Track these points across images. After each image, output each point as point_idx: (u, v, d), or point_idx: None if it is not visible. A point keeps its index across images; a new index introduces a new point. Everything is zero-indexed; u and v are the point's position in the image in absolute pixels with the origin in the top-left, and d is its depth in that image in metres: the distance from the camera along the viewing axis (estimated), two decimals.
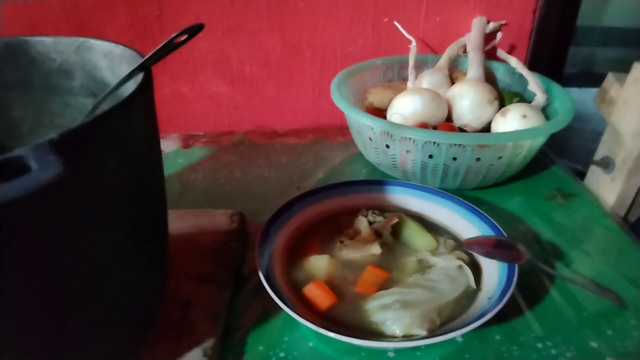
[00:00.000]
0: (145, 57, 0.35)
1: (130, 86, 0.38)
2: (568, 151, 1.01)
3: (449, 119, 0.69)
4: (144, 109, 0.36)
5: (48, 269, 0.28)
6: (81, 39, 0.44)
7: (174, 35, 0.33)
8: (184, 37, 0.34)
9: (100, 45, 0.43)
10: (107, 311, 0.35)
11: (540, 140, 0.63)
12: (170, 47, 0.34)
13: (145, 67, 0.36)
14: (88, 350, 0.34)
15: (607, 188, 0.64)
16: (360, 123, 0.64)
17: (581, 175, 0.72)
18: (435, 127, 0.66)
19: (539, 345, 0.44)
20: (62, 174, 0.26)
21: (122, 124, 0.32)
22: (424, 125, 0.64)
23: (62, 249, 0.29)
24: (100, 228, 0.32)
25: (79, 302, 0.32)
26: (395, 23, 0.77)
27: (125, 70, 0.41)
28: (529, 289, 0.50)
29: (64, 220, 0.28)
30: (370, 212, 0.54)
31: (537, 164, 0.70)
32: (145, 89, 0.35)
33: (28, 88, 0.46)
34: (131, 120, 0.33)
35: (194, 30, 0.34)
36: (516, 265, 0.46)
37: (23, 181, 0.23)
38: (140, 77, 0.36)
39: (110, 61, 0.43)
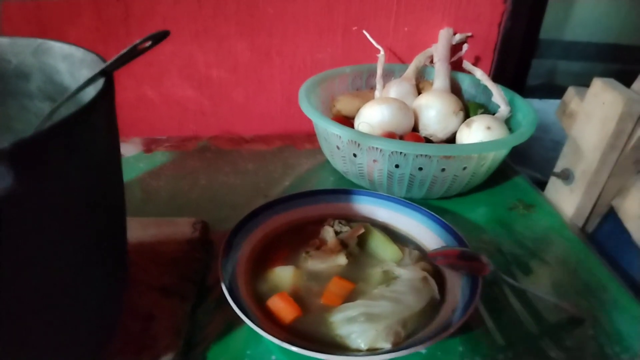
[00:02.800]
0: (108, 63, 0.34)
1: (90, 91, 0.37)
2: (528, 160, 1.03)
3: (415, 128, 0.69)
4: (105, 115, 0.35)
5: (2, 280, 0.27)
6: (39, 41, 0.42)
7: (138, 41, 0.32)
8: (148, 43, 0.33)
9: (59, 48, 0.42)
10: (64, 324, 0.34)
11: (504, 152, 0.64)
12: (134, 53, 0.33)
13: (107, 73, 0.35)
14: None
15: (567, 199, 0.66)
16: (328, 131, 0.63)
17: (541, 183, 0.74)
18: (401, 137, 0.66)
19: (501, 356, 0.45)
20: (14, 186, 0.25)
21: (81, 132, 0.30)
22: (391, 135, 0.65)
23: (14, 261, 0.28)
24: (56, 239, 0.30)
25: (33, 314, 0.31)
26: (364, 32, 0.78)
27: (86, 74, 0.40)
28: (491, 300, 0.51)
29: (16, 232, 0.27)
30: (336, 221, 0.54)
31: (500, 174, 0.72)
32: (107, 95, 0.34)
33: None
34: (91, 128, 0.32)
35: (159, 37, 0.33)
36: (480, 277, 0.46)
37: None
38: (101, 82, 0.34)
39: (70, 65, 0.42)
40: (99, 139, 0.33)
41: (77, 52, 0.40)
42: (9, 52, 0.43)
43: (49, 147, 0.27)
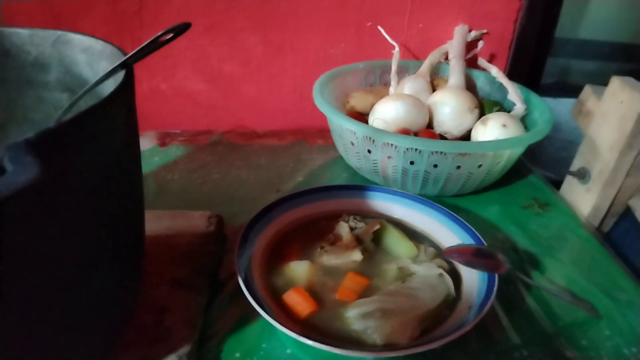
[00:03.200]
0: (128, 55, 0.34)
1: (109, 84, 0.37)
2: (540, 159, 1.03)
3: (429, 125, 0.69)
4: (125, 108, 0.35)
5: (21, 271, 0.27)
6: (59, 32, 0.42)
7: (159, 33, 0.32)
8: (169, 35, 0.33)
9: (79, 40, 0.42)
10: (80, 314, 0.34)
11: (519, 150, 0.63)
12: (155, 45, 0.33)
13: (127, 65, 0.35)
14: (60, 352, 0.33)
15: (583, 198, 0.66)
16: (343, 127, 0.63)
17: (553, 182, 0.74)
18: (416, 134, 0.66)
19: (516, 354, 0.45)
20: (39, 176, 0.25)
21: (102, 124, 0.30)
22: (405, 131, 0.64)
23: (36, 251, 0.28)
24: (76, 230, 0.30)
25: (51, 304, 0.31)
26: (379, 28, 0.77)
27: (105, 66, 0.40)
28: (506, 298, 0.50)
29: (39, 222, 0.27)
30: (351, 217, 0.54)
31: (514, 173, 0.71)
32: (127, 88, 0.34)
33: (0, 81, 0.44)
34: (111, 120, 0.32)
35: (180, 30, 0.33)
36: (496, 275, 0.46)
37: None
38: (121, 75, 0.34)
39: (89, 56, 0.42)
40: (119, 131, 0.33)
41: (96, 44, 0.40)
42: (28, 43, 0.43)
43: (71, 138, 0.27)
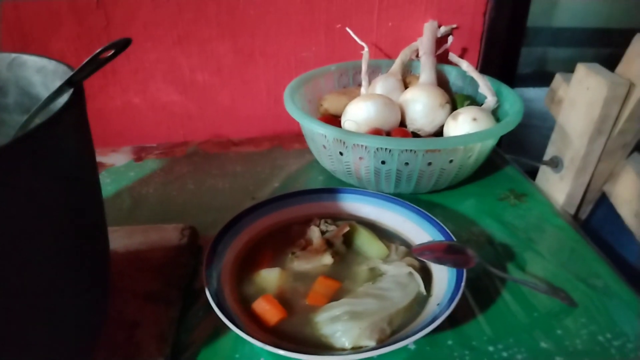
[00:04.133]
0: (72, 73, 0.33)
1: (62, 101, 0.37)
2: (527, 149, 1.03)
3: (402, 123, 0.69)
4: (75, 126, 0.35)
5: None
6: (13, 55, 0.42)
7: (98, 50, 0.32)
8: (111, 51, 0.33)
9: (33, 61, 0.42)
10: (45, 335, 0.34)
11: (490, 143, 0.63)
12: (97, 62, 0.33)
13: (74, 82, 0.35)
14: None
15: (557, 187, 0.66)
16: (314, 131, 0.63)
17: (537, 172, 0.74)
18: (389, 133, 0.66)
19: (490, 348, 0.45)
20: None
21: (46, 144, 0.30)
22: (377, 131, 0.64)
23: None
24: (30, 250, 0.30)
25: (13, 326, 0.30)
26: (347, 29, 0.77)
27: (58, 85, 0.40)
28: (481, 292, 0.50)
29: None
30: (322, 221, 0.54)
31: (490, 165, 0.71)
32: (75, 105, 0.34)
33: None
34: (57, 139, 0.32)
35: (121, 45, 0.33)
36: (464, 270, 0.46)
37: None
38: (69, 93, 0.34)
39: (43, 77, 0.41)
40: (68, 149, 0.33)
41: (49, 64, 0.40)
42: None
43: (15, 158, 0.27)
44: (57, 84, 0.40)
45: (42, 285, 0.32)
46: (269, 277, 0.48)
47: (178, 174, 0.73)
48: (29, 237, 0.30)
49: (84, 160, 0.37)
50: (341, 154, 0.62)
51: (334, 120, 0.70)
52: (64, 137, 0.32)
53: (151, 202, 0.67)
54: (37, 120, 0.39)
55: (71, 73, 0.37)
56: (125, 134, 0.82)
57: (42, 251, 0.31)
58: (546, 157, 0.68)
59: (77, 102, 0.35)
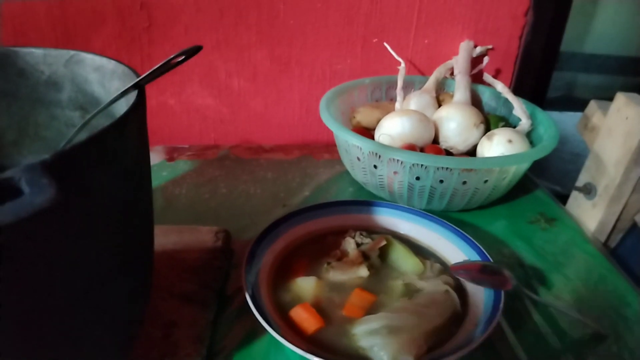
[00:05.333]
0: (142, 76, 0.34)
1: (121, 103, 0.38)
2: (546, 172, 1.03)
3: (435, 141, 0.69)
4: (137, 127, 0.35)
5: (34, 289, 0.28)
6: (72, 52, 0.43)
7: (171, 56, 0.33)
8: (181, 57, 0.34)
9: (91, 59, 0.43)
10: (91, 329, 0.34)
11: (525, 166, 0.64)
12: (167, 67, 0.34)
13: (139, 86, 0.36)
14: None
15: (589, 214, 0.66)
16: (349, 143, 0.64)
17: (560, 196, 0.74)
18: (422, 149, 0.66)
19: None
20: (54, 198, 0.25)
21: (115, 144, 0.31)
22: (411, 147, 0.65)
23: (49, 270, 0.28)
24: (90, 247, 0.31)
25: (62, 321, 0.31)
26: (385, 44, 0.78)
27: (117, 85, 0.41)
28: (513, 314, 0.50)
29: (53, 242, 0.27)
30: (357, 233, 0.54)
31: (521, 187, 0.71)
32: (139, 108, 0.35)
33: (14, 99, 0.45)
34: (124, 140, 0.33)
35: (192, 52, 0.34)
36: (502, 292, 0.46)
37: (15, 206, 0.23)
38: (133, 95, 0.35)
39: (101, 76, 0.42)
40: (131, 150, 0.34)
41: (108, 64, 0.41)
42: (41, 62, 0.44)
43: (86, 158, 0.28)
44: (115, 83, 0.41)
45: (97, 280, 0.33)
46: (306, 285, 0.48)
47: (210, 176, 0.74)
48: (94, 232, 0.31)
49: (142, 160, 0.38)
50: (375, 167, 0.63)
51: (365, 133, 0.71)
52: (129, 138, 0.33)
53: (183, 202, 0.68)
54: (95, 120, 0.40)
55: (130, 73, 0.38)
56: (158, 133, 0.83)
57: (102, 247, 0.32)
58: (579, 183, 0.68)
59: (142, 104, 0.35)
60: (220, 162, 0.78)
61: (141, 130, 0.36)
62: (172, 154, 0.80)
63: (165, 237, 0.56)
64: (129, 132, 0.33)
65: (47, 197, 0.24)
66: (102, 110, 0.38)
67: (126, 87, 0.35)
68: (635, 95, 0.61)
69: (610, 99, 0.65)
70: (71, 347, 0.33)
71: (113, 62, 0.41)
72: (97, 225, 0.31)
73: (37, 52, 0.43)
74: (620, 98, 0.61)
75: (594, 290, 0.55)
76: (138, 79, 0.34)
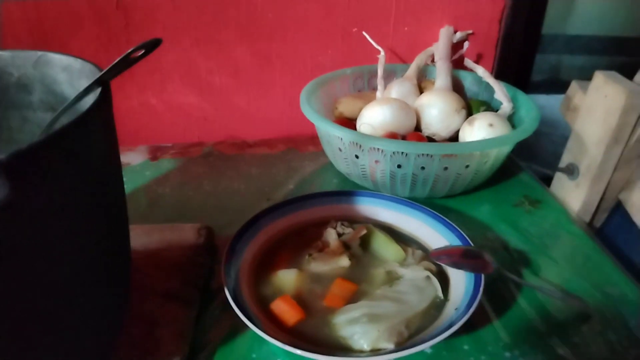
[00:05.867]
0: (102, 72, 0.34)
1: (89, 100, 0.37)
2: (538, 156, 1.03)
3: (417, 128, 0.69)
4: (102, 124, 0.35)
5: (2, 291, 0.27)
6: (39, 53, 0.43)
7: (130, 50, 0.33)
8: (141, 51, 0.34)
9: (59, 59, 0.42)
10: (65, 331, 0.34)
11: (506, 149, 0.63)
12: (127, 61, 0.34)
13: (102, 82, 0.35)
14: None
15: (573, 194, 0.66)
16: (330, 134, 0.63)
17: (551, 179, 0.74)
18: (404, 137, 0.66)
19: (507, 354, 0.45)
20: (9, 197, 0.25)
21: (77, 142, 0.31)
22: (393, 135, 0.64)
23: (14, 270, 0.28)
24: (55, 247, 0.31)
25: (34, 322, 0.31)
26: (364, 33, 0.78)
27: (85, 84, 0.40)
28: (497, 297, 0.50)
29: (15, 242, 0.27)
30: (339, 223, 0.54)
31: (505, 171, 0.71)
32: (103, 104, 0.34)
33: None
34: (87, 137, 0.32)
35: (151, 45, 0.33)
36: (482, 275, 0.46)
37: None
38: (98, 91, 0.35)
39: (69, 75, 0.42)
40: (97, 147, 0.34)
41: (75, 63, 0.41)
42: (10, 64, 0.43)
43: (45, 156, 0.28)
44: (83, 82, 0.41)
45: (69, 280, 0.33)
46: (287, 278, 0.48)
47: (194, 174, 0.74)
48: (58, 233, 0.30)
49: (111, 158, 0.38)
50: (357, 157, 0.63)
51: (348, 123, 0.71)
52: (93, 135, 0.33)
53: (167, 201, 0.67)
54: (63, 119, 0.40)
55: (98, 72, 0.38)
56: (141, 133, 0.83)
57: (70, 246, 0.32)
58: (562, 164, 0.68)
59: (105, 101, 0.35)
60: (204, 159, 0.78)
61: (107, 127, 0.36)
62: (155, 153, 0.79)
63: (147, 237, 0.56)
64: (92, 129, 0.33)
65: (1, 196, 0.24)
66: (67, 109, 0.37)
67: (89, 84, 0.35)
68: (613, 73, 0.61)
69: None
70: (46, 350, 0.33)
71: (80, 60, 0.41)
72: (62, 224, 0.30)
73: (5, 54, 0.43)
74: (599, 76, 0.61)
75: (579, 271, 0.55)
76: (99, 75, 0.34)
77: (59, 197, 0.30)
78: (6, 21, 0.73)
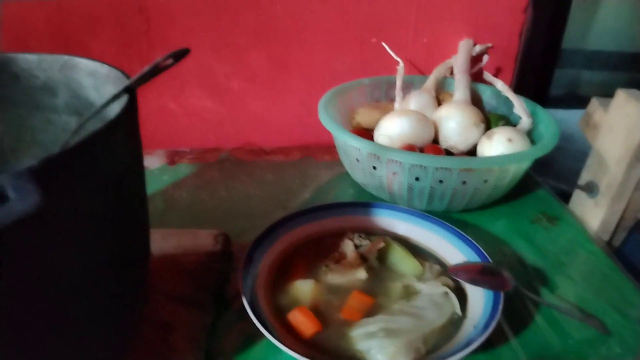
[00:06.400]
0: (131, 80, 0.34)
1: (115, 107, 0.37)
2: (553, 171, 1.02)
3: (435, 140, 0.69)
4: (128, 131, 0.35)
5: (24, 294, 0.28)
6: (65, 57, 0.43)
7: (159, 59, 0.33)
8: (170, 61, 0.34)
9: (85, 64, 0.43)
10: (86, 334, 0.34)
11: (525, 165, 0.63)
12: (156, 70, 0.34)
13: (130, 89, 0.35)
14: None
15: (592, 212, 0.65)
16: (348, 144, 0.63)
17: (566, 195, 0.73)
18: (421, 149, 0.66)
19: None
20: (39, 204, 0.25)
21: (104, 149, 0.31)
22: (410, 147, 0.64)
23: (39, 275, 0.28)
24: (80, 252, 0.31)
25: (55, 325, 0.31)
26: (383, 44, 0.78)
27: (110, 90, 0.41)
28: (513, 315, 0.50)
29: (41, 247, 0.27)
30: (356, 235, 0.54)
31: (522, 186, 0.71)
32: (130, 112, 0.35)
33: (10, 104, 0.45)
34: (114, 144, 0.32)
35: (180, 55, 0.34)
36: (501, 293, 0.46)
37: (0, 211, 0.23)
38: (125, 98, 0.35)
39: (95, 80, 0.42)
40: (122, 153, 0.34)
41: (102, 68, 0.41)
42: (36, 68, 0.44)
43: (75, 163, 0.28)
44: (109, 88, 0.41)
45: (89, 283, 0.33)
46: (303, 288, 0.48)
47: (210, 179, 0.74)
48: (84, 238, 0.31)
49: (135, 164, 0.38)
50: (374, 168, 0.63)
51: (365, 133, 0.71)
52: (119, 141, 0.33)
53: (184, 206, 0.68)
54: (88, 124, 0.40)
55: (123, 78, 0.38)
56: (158, 137, 0.83)
57: (93, 251, 0.32)
58: (581, 182, 0.67)
59: (132, 108, 0.35)
60: (220, 165, 0.78)
61: (132, 134, 0.36)
62: (173, 158, 0.80)
63: (164, 241, 0.56)
64: (119, 136, 0.33)
65: (31, 203, 0.24)
66: (94, 115, 0.37)
67: (117, 92, 0.35)
68: (635, 91, 0.61)
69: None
70: (65, 353, 0.33)
71: (106, 66, 0.41)
72: (88, 230, 0.31)
73: (32, 57, 0.43)
74: (621, 95, 0.61)
75: (597, 290, 0.55)
76: (128, 83, 0.34)
77: (87, 203, 0.30)
78: (29, 22, 0.74)
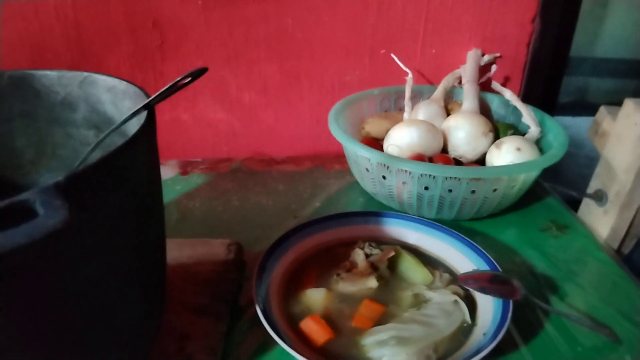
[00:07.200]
0: (151, 98, 0.36)
1: (133, 122, 0.39)
2: (562, 176, 1.02)
3: (444, 150, 0.70)
4: (147, 146, 0.37)
5: (49, 308, 0.29)
6: (85, 74, 0.45)
7: (178, 78, 0.34)
8: (188, 79, 0.35)
9: (103, 80, 0.44)
10: (104, 345, 0.35)
11: (534, 173, 0.64)
12: (175, 88, 0.35)
13: (149, 106, 0.37)
14: None
15: (601, 221, 0.65)
16: (357, 154, 0.64)
17: (575, 202, 0.73)
18: (431, 159, 0.67)
19: None
20: (68, 219, 0.26)
21: (126, 163, 0.32)
22: (420, 157, 0.65)
23: (63, 288, 0.29)
24: (104, 265, 0.32)
25: (77, 337, 0.32)
26: (392, 55, 0.79)
27: (128, 105, 0.42)
28: (524, 323, 0.50)
29: (67, 261, 0.28)
30: (367, 244, 0.55)
31: (531, 194, 0.71)
32: (149, 128, 0.36)
33: (31, 119, 0.47)
34: (135, 159, 0.34)
35: (198, 74, 0.35)
36: (511, 301, 0.46)
37: (29, 227, 0.24)
38: (144, 114, 0.36)
39: (113, 96, 0.44)
40: (142, 168, 0.35)
41: (120, 84, 0.43)
42: (57, 84, 0.45)
43: (98, 179, 0.29)
44: (127, 103, 0.43)
45: (113, 296, 0.34)
46: (315, 297, 0.49)
47: (223, 189, 0.75)
48: (108, 250, 0.32)
49: (153, 178, 0.39)
50: (384, 177, 0.63)
51: (375, 143, 0.72)
52: (139, 156, 0.34)
53: (197, 215, 0.69)
54: (107, 139, 0.41)
55: (142, 94, 0.40)
56: (171, 147, 0.85)
57: (115, 264, 0.33)
58: (590, 190, 0.68)
59: (151, 124, 0.37)
60: (232, 175, 0.80)
61: (151, 148, 0.38)
62: (185, 168, 0.81)
63: (178, 251, 0.57)
64: (140, 151, 0.34)
65: (60, 219, 0.25)
66: (113, 130, 0.39)
67: (137, 108, 0.36)
68: None
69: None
70: None
71: (124, 82, 0.42)
72: (110, 243, 0.32)
73: (52, 74, 0.45)
74: (629, 104, 0.61)
75: (607, 299, 0.55)
76: (147, 100, 0.35)
77: (110, 216, 0.31)
78: (47, 37, 0.76)
